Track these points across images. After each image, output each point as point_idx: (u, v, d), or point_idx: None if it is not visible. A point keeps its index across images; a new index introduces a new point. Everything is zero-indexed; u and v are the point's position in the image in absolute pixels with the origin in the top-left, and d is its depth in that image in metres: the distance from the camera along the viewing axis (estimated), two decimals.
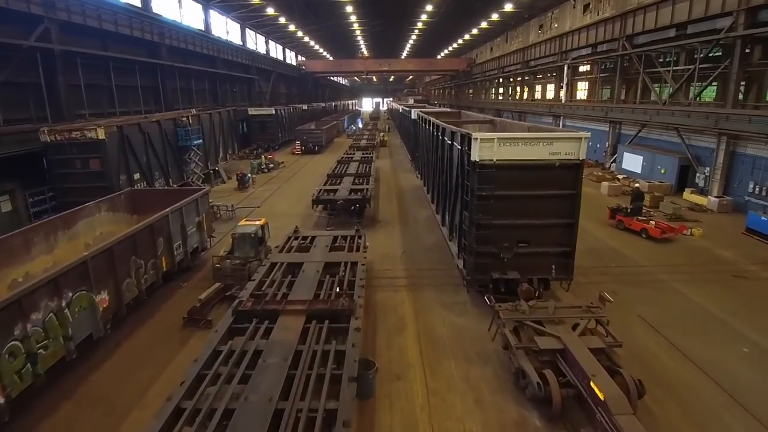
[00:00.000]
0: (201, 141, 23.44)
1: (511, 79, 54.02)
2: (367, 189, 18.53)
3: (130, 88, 26.03)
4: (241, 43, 45.91)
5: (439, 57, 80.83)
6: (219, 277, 11.64)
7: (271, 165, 31.20)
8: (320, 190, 18.64)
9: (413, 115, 27.79)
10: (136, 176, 18.56)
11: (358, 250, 11.73)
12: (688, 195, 21.74)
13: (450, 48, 74.21)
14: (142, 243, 10.09)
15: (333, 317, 8.04)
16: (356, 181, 20.69)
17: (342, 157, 27.26)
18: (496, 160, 9.48)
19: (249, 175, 25.79)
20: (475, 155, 9.49)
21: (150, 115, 23.03)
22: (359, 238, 12.60)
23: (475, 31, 56.34)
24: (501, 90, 57.90)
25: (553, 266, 10.22)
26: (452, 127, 13.26)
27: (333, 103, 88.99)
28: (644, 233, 16.06)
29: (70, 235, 11.52)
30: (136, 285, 9.91)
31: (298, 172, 30.70)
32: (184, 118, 22.31)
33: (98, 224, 12.44)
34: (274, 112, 40.79)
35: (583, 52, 35.05)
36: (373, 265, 13.59)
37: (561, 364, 7.49)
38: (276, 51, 61.40)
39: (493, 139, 9.45)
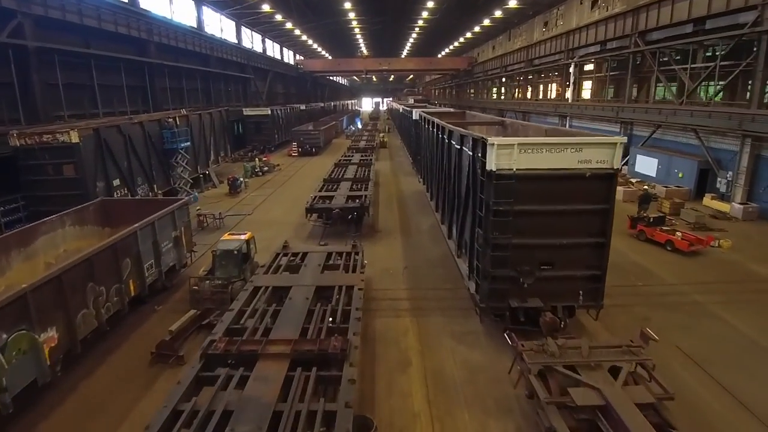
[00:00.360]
0: (189, 143, 22.04)
1: (515, 79, 52.67)
2: (365, 196, 17.13)
3: (115, 87, 24.62)
4: (236, 42, 44.52)
5: (439, 56, 79.42)
6: (196, 302, 10.21)
7: (266, 168, 29.79)
8: (315, 197, 17.23)
9: (414, 116, 26.40)
10: (116, 183, 17.17)
11: (354, 269, 10.37)
12: (709, 201, 20.33)
13: (451, 47, 72.87)
14: (102, 266, 8.68)
15: (322, 362, 6.65)
16: (354, 186, 19.28)
17: (340, 160, 25.89)
18: (516, 169, 8.08)
19: (241, 179, 24.40)
20: (492, 164, 8.09)
21: (134, 116, 21.59)
22: (356, 254, 11.23)
23: (477, 28, 55.00)
24: (504, 89, 56.54)
25: (581, 292, 8.83)
26: (461, 130, 11.84)
27: (332, 103, 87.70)
28: (669, 245, 14.67)
29: (28, 254, 10.13)
30: (94, 316, 8.50)
31: (293, 176, 29.28)
32: (171, 119, 20.91)
33: (62, 240, 11.04)
34: (269, 112, 39.39)
35: (591, 49, 33.68)
36: (372, 284, 12.19)
37: (602, 425, 6.10)
38: (273, 50, 60.03)
39: (513, 145, 8.05)
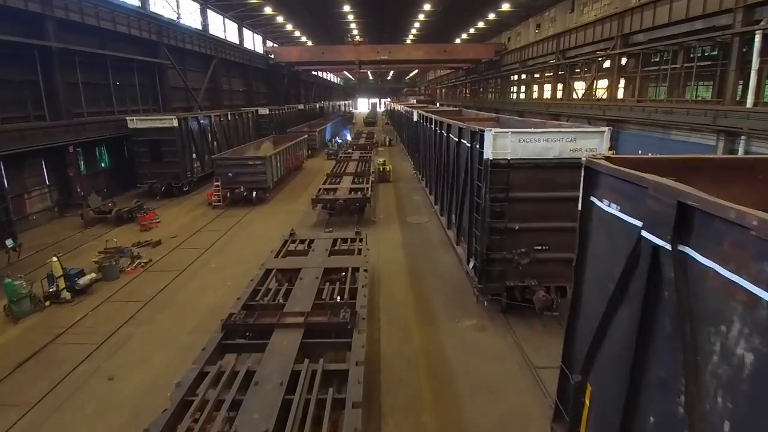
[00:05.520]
0: None
1: (579, 69, 35.14)
2: None
3: None
4: (137, 4, 26.60)
5: (457, 41, 61.54)
6: None
7: (84, 285, 11.57)
8: None
9: (489, 149, 8.51)
10: None
11: None
12: None
13: (472, 29, 55.12)
14: None
15: None
16: None
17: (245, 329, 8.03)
18: None
19: None
20: None
21: None
22: None
23: None
24: (560, 86, 38.78)
25: None
26: None
27: (318, 105, 70.18)
28: None
29: None
30: None
31: (153, 302, 11.21)
32: None
33: None
34: (175, 123, 21.42)
35: None
36: None
37: None
38: (225, 29, 42.13)
39: None
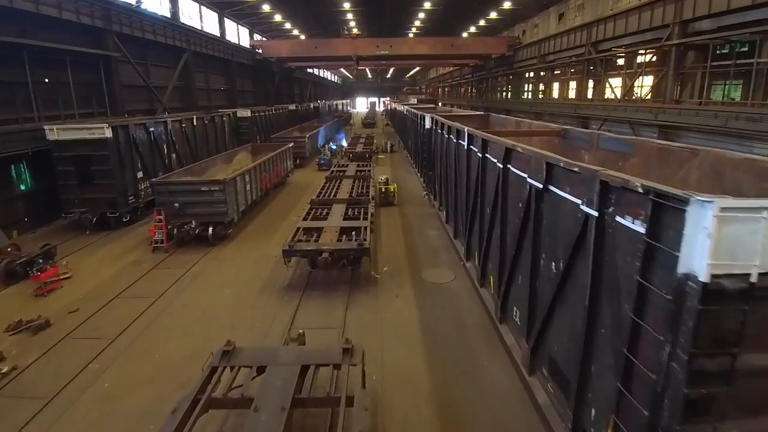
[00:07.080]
0: None
1: (623, 64, 29.76)
2: None
3: None
4: None
5: (464, 35, 56.06)
6: None
7: None
8: None
9: (707, 250, 3.27)
10: None
11: None
12: None
13: (480, 23, 49.71)
14: None
15: None
16: None
17: None
18: None
19: None
20: None
21: None
22: None
23: None
24: (587, 84, 33.34)
25: None
26: None
27: (312, 105, 64.72)
28: None
29: None
30: None
31: None
32: None
33: None
34: (108, 134, 16.03)
35: None
36: None
37: None
38: (201, 19, 36.68)
39: None
